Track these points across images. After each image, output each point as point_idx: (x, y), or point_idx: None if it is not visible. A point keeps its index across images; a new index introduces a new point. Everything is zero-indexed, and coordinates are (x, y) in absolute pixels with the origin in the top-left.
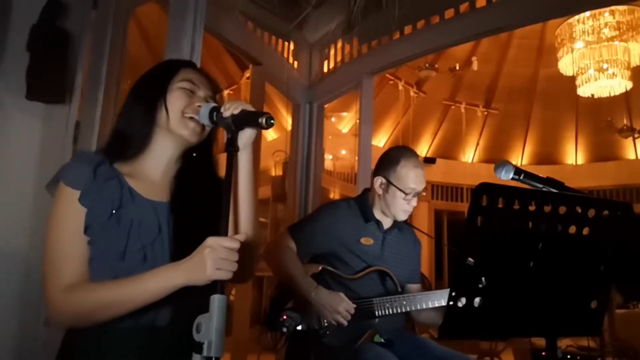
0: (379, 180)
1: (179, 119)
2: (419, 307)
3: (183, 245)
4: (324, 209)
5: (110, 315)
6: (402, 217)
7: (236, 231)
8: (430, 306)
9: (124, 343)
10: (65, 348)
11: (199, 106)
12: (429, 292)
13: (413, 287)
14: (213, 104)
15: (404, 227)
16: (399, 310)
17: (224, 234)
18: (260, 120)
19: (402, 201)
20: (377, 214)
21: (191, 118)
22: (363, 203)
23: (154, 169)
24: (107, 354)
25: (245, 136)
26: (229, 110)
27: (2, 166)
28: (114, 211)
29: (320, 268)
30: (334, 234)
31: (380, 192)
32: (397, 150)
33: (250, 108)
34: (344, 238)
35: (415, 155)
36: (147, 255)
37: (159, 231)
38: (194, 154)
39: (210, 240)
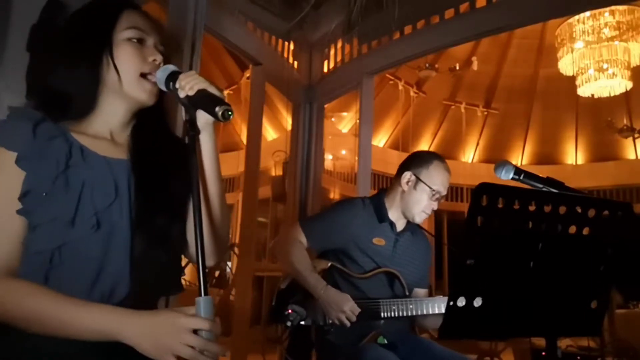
0: (407, 175)
1: (134, 81)
2: (425, 312)
3: (145, 210)
4: (338, 206)
5: (36, 329)
6: (420, 218)
7: (208, 216)
8: (437, 312)
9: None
10: None
11: (154, 60)
12: (437, 297)
13: (420, 292)
14: (171, 68)
15: (417, 230)
16: (405, 314)
17: (199, 225)
18: (216, 110)
19: (426, 201)
20: (392, 215)
21: (146, 77)
22: (378, 203)
23: (106, 128)
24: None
25: (205, 115)
26: (184, 89)
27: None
28: (59, 174)
29: (329, 264)
30: (348, 232)
31: (406, 188)
32: (430, 153)
33: (210, 88)
34: (357, 237)
35: (445, 161)
36: (101, 222)
37: (116, 193)
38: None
39: (174, 319)
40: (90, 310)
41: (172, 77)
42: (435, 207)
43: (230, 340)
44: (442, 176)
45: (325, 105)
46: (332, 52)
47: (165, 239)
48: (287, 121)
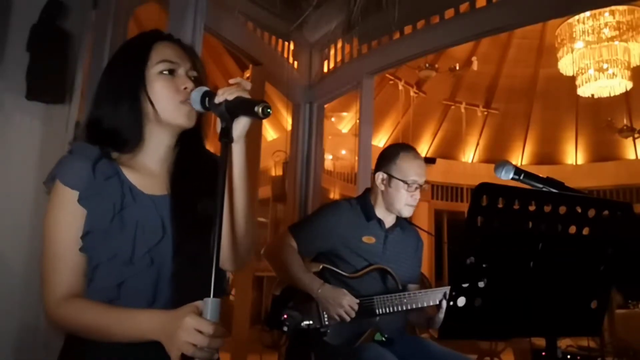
0: (380, 176)
1: (170, 109)
2: (419, 305)
3: (185, 242)
4: (325, 209)
5: (98, 337)
6: (407, 212)
7: (232, 224)
8: (432, 304)
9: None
10: (66, 349)
11: (185, 88)
12: (430, 290)
13: (412, 287)
14: (205, 88)
15: (406, 226)
16: (399, 309)
17: (219, 229)
18: (256, 108)
19: (405, 194)
20: (379, 213)
21: (183, 102)
22: (365, 202)
23: (152, 160)
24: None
25: (240, 125)
26: (223, 95)
27: (2, 166)
28: (116, 214)
29: (320, 267)
30: (336, 233)
31: (382, 187)
32: (395, 146)
33: (246, 95)
34: (346, 238)
35: (413, 148)
36: (154, 259)
37: (163, 231)
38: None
39: (181, 320)
40: (129, 316)
41: (207, 94)
42: (418, 197)
43: (230, 340)
44: (413, 165)
45: (325, 105)
46: (332, 52)
47: (203, 262)
48: (287, 121)
